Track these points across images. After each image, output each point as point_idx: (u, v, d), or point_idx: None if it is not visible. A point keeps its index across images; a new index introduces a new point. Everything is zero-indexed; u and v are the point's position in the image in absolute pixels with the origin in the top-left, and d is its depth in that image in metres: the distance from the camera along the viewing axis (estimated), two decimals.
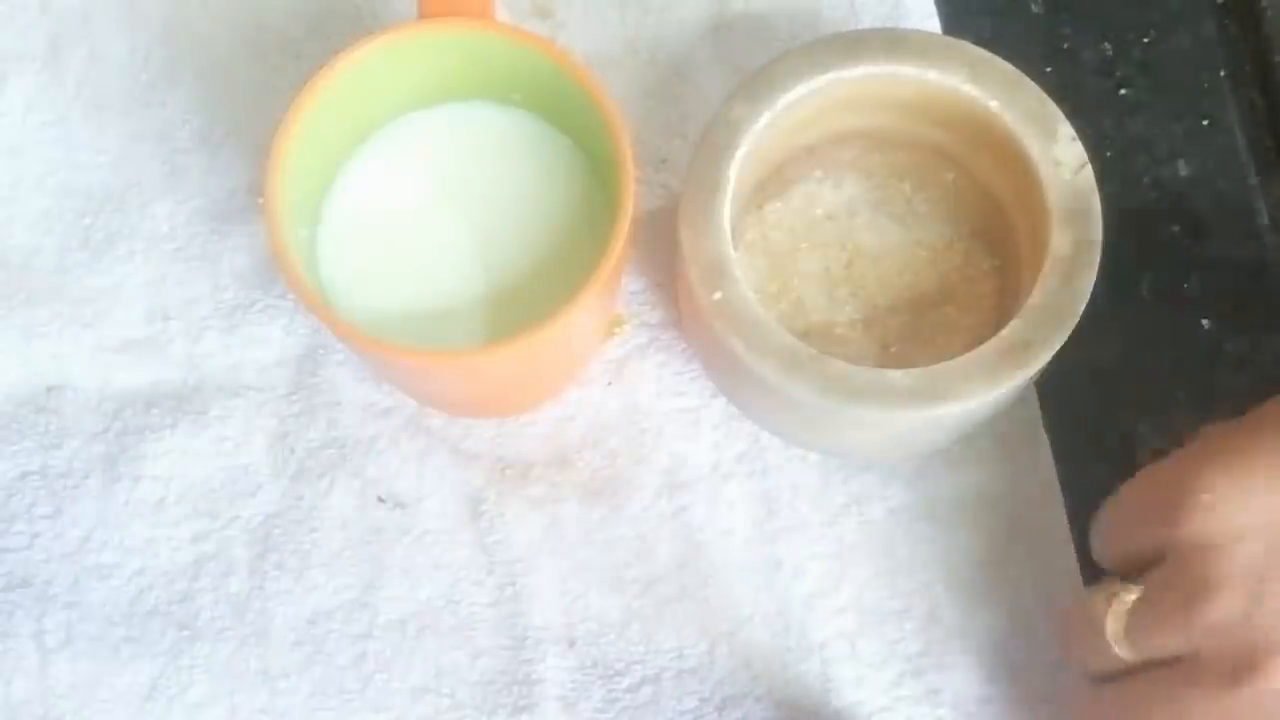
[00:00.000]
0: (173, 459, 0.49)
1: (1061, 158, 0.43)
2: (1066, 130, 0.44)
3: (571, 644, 0.47)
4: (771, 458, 0.49)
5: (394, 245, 0.45)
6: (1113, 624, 0.39)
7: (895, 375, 0.41)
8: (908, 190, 0.48)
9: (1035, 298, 0.42)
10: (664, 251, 0.50)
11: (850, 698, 0.47)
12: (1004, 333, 0.42)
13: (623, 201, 0.42)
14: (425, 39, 0.44)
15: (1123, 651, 0.39)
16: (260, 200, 0.43)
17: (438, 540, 0.48)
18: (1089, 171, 0.43)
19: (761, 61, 0.45)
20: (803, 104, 0.45)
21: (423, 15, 0.44)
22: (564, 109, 0.46)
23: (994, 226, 0.47)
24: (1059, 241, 0.42)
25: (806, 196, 0.48)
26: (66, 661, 0.47)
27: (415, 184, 0.46)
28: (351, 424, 0.49)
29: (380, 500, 0.48)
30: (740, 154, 0.44)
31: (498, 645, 0.47)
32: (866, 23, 0.53)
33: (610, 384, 0.50)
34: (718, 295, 0.43)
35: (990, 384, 0.41)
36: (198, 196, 0.51)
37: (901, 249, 0.47)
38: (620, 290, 0.50)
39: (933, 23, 0.53)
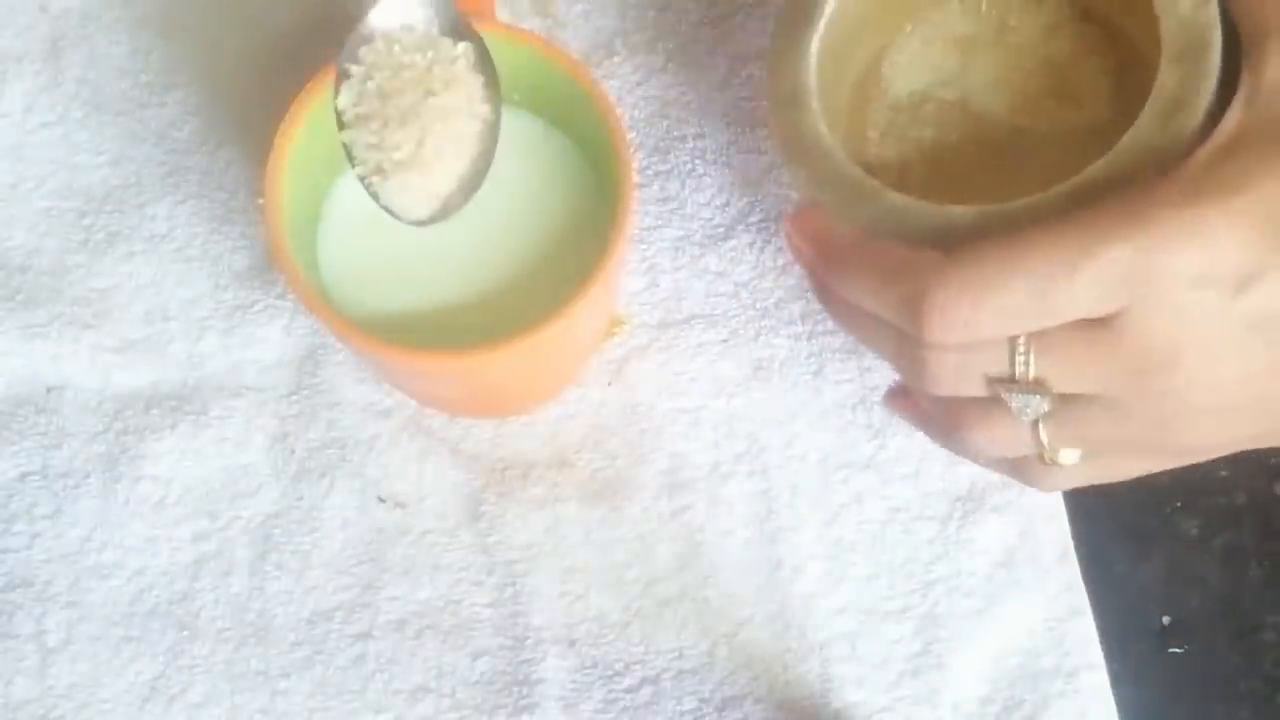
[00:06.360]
0: (173, 459, 0.49)
1: None
2: None
3: (571, 644, 0.47)
4: (771, 458, 0.49)
5: (394, 245, 0.45)
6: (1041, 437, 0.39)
7: (957, 211, 0.39)
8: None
9: (1127, 137, 0.39)
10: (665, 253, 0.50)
11: (850, 698, 0.46)
12: (1084, 174, 0.39)
13: (623, 201, 0.42)
14: None
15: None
16: (260, 200, 0.43)
17: (438, 540, 0.48)
18: (1213, 8, 0.39)
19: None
20: None
21: None
22: (564, 109, 0.46)
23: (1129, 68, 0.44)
24: (1164, 77, 0.39)
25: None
26: (66, 661, 0.47)
27: None
28: (351, 424, 0.49)
29: (380, 500, 0.48)
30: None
31: (498, 645, 0.47)
32: None
33: (610, 384, 0.50)
34: (789, 124, 0.42)
35: None
36: (198, 196, 0.51)
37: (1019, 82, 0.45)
38: (620, 290, 0.50)
39: None
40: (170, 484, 0.49)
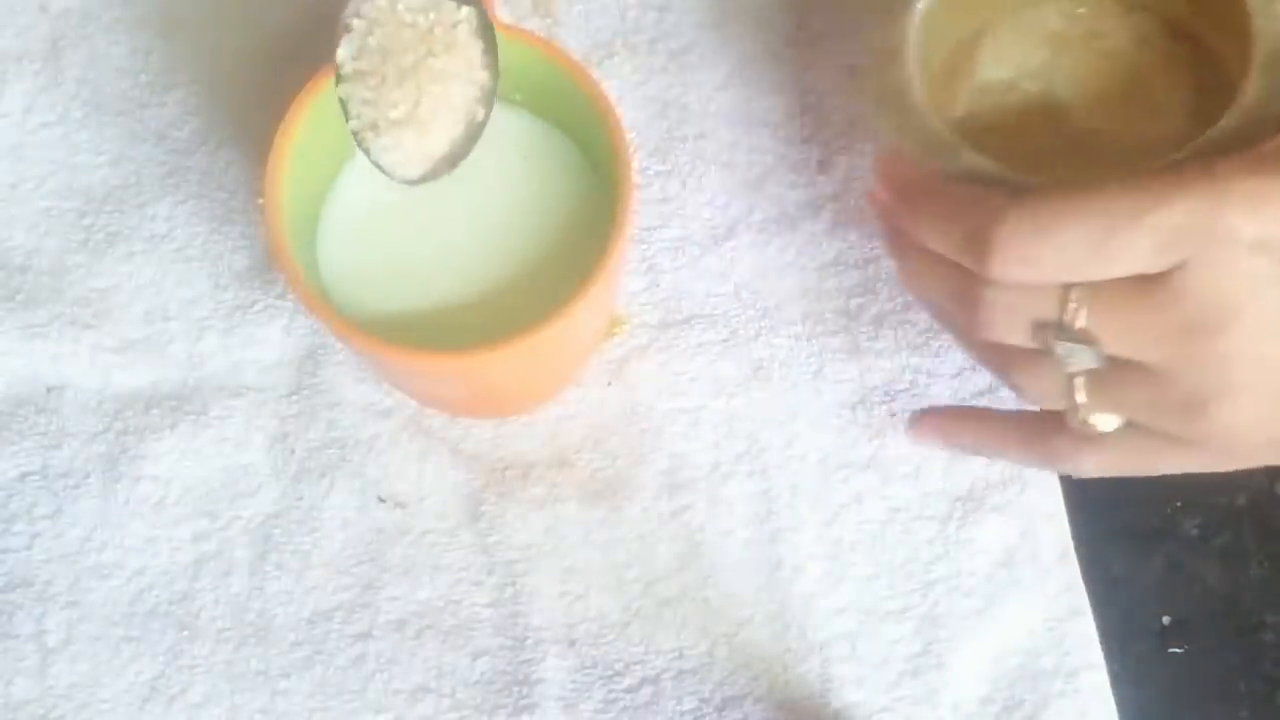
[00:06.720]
0: (173, 459, 0.49)
1: None
2: None
3: (571, 644, 0.47)
4: (771, 457, 0.49)
5: (394, 245, 0.46)
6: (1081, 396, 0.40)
7: (1030, 179, 0.41)
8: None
9: (1203, 138, 0.40)
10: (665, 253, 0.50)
11: (850, 698, 0.46)
12: (1157, 165, 0.40)
13: (623, 201, 0.43)
14: None
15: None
16: (260, 200, 0.43)
17: (438, 540, 0.48)
18: None
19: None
20: None
21: None
22: (564, 109, 0.46)
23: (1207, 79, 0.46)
24: (1250, 84, 0.41)
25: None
26: (66, 661, 0.47)
27: None
28: (351, 424, 0.49)
29: (380, 500, 0.48)
30: None
31: (498, 645, 0.47)
32: None
33: (610, 384, 0.50)
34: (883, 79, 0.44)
35: None
36: (198, 196, 0.52)
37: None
38: (620, 290, 0.50)
39: None
40: (170, 484, 0.49)
